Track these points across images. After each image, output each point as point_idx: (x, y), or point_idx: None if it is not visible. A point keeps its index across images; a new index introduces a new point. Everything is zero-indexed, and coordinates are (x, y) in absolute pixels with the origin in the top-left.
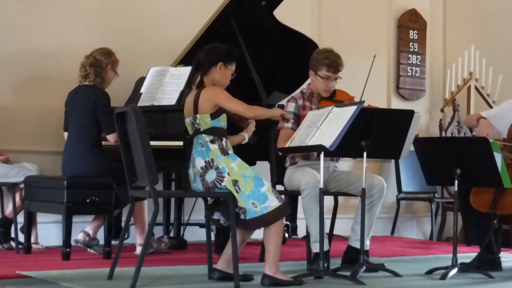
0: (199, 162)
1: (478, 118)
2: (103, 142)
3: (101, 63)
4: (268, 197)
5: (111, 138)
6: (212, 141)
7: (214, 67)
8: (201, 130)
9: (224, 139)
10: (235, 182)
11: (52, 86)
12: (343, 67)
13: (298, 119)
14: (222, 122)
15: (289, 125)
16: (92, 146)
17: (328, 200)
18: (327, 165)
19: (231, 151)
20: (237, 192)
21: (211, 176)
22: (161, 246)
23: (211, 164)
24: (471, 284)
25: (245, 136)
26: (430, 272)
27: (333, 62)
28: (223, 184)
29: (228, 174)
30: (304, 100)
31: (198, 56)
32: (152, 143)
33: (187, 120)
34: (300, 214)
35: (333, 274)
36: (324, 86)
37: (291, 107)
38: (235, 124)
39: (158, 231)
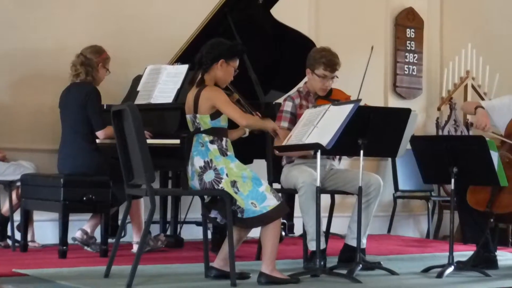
0: (198, 161)
1: (477, 107)
2: (99, 140)
3: (91, 61)
4: (267, 197)
5: (101, 135)
6: (212, 142)
7: (215, 64)
8: (201, 129)
9: (224, 139)
10: (233, 183)
11: (49, 84)
12: (340, 66)
13: (294, 118)
14: (222, 122)
15: (286, 124)
16: (87, 143)
17: (325, 199)
18: (323, 163)
19: (230, 152)
20: (236, 192)
21: (209, 176)
22: (158, 244)
23: (210, 165)
24: (467, 282)
25: (245, 129)
26: (426, 270)
27: (330, 61)
28: (220, 185)
29: (227, 175)
30: (301, 98)
31: (201, 52)
32: (149, 141)
33: (188, 117)
34: (297, 212)
35: (329, 272)
36: (320, 85)
37: (288, 106)
38: None
39: (155, 229)
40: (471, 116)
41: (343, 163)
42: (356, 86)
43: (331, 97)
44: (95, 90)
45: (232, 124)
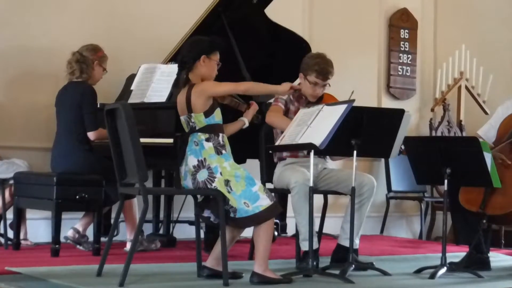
0: (192, 161)
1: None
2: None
3: (87, 59)
4: (260, 196)
5: (92, 136)
6: (208, 139)
7: (197, 61)
8: (197, 128)
9: (220, 135)
10: (226, 182)
11: (42, 82)
12: (333, 75)
13: (287, 106)
14: (216, 118)
15: (282, 106)
16: (80, 142)
17: (318, 199)
18: (316, 162)
19: (225, 151)
20: (229, 192)
21: (202, 175)
22: (151, 246)
23: (204, 164)
24: (460, 283)
25: (245, 120)
26: (419, 271)
27: (323, 70)
28: (213, 184)
29: (221, 174)
30: (292, 96)
31: (182, 53)
32: (142, 140)
33: (182, 118)
34: (289, 212)
35: (322, 273)
36: (311, 91)
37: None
38: (235, 110)
39: (148, 229)
40: None
41: (336, 163)
42: (349, 86)
43: (321, 103)
44: (91, 90)
45: (228, 119)
